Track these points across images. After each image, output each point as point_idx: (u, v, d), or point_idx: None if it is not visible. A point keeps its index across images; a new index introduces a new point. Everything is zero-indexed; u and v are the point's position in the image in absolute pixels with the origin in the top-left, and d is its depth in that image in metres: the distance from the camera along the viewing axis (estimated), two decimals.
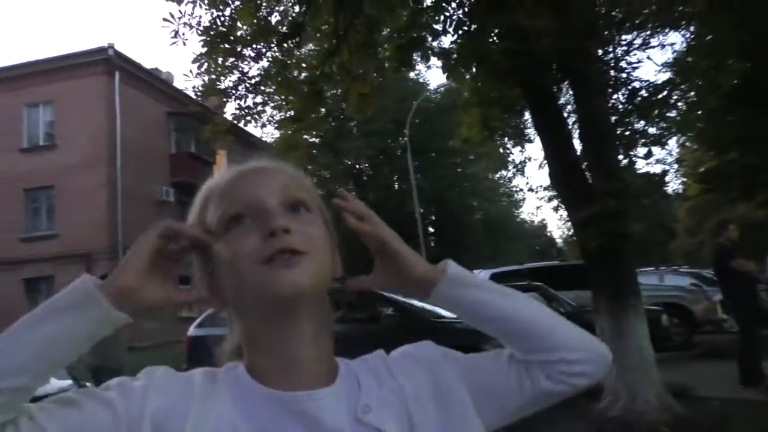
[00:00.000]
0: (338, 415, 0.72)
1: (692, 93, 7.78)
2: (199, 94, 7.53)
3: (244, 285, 0.71)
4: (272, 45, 7.30)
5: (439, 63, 7.08)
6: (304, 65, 8.07)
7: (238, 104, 7.67)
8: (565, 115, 6.63)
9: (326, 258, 0.75)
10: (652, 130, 6.81)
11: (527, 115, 7.99)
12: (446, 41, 7.16)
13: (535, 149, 56.33)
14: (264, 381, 0.73)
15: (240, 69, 7.41)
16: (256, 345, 0.76)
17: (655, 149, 6.62)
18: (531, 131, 8.74)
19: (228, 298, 0.76)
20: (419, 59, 7.75)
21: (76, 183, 19.23)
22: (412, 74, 25.60)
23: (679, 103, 7.28)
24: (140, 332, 19.27)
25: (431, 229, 31.77)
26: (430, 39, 7.04)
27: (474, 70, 7.00)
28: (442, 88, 26.97)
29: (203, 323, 8.84)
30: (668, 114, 7.06)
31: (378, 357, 0.83)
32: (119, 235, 18.94)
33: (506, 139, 9.22)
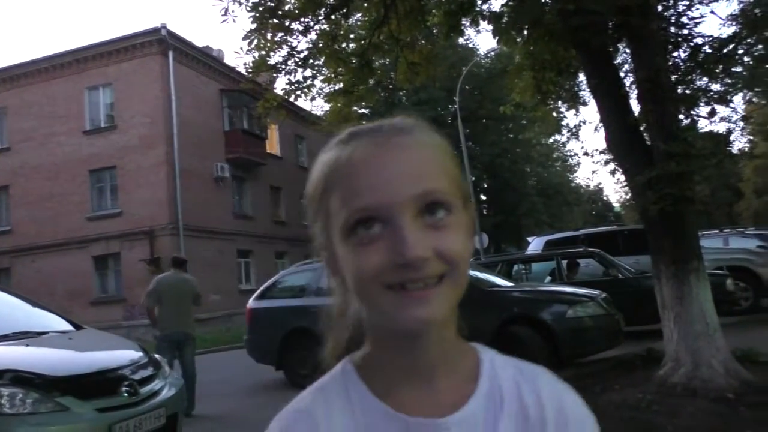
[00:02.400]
0: None
1: (760, 46, 7.35)
2: (250, 70, 7.62)
3: (368, 304, 0.64)
4: (320, 18, 7.29)
5: (490, 27, 6.93)
6: (352, 36, 8.05)
7: (288, 79, 7.73)
8: (622, 75, 6.38)
9: (466, 269, 0.64)
10: (715, 87, 6.48)
11: (582, 77, 7.74)
12: (496, 4, 7.00)
13: (589, 112, 54.74)
14: (384, 396, 0.66)
15: (289, 44, 7.45)
16: (380, 350, 0.69)
17: (720, 107, 6.30)
18: (586, 94, 8.46)
19: (347, 284, 0.66)
20: (469, 24, 7.61)
21: (136, 162, 19.91)
22: (461, 40, 25.13)
23: (746, 58, 6.89)
24: (205, 304, 19.97)
25: (484, 197, 31.47)
26: (479, 2, 6.89)
27: (526, 32, 6.82)
28: (493, 53, 26.39)
29: (262, 295, 9.09)
30: (734, 70, 6.70)
31: (539, 385, 0.71)
32: (179, 212, 19.56)
33: (560, 102, 8.96)
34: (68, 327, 5.12)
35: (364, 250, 0.61)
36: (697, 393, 4.98)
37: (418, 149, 0.64)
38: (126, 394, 3.97)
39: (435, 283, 0.60)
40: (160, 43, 20.23)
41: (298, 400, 0.70)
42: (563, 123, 12.41)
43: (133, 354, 4.58)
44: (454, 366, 0.68)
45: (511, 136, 29.73)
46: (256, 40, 7.11)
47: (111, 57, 20.70)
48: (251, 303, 9.06)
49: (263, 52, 7.35)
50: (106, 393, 3.91)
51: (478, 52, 28.91)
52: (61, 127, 20.89)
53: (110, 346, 4.96)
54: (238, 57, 7.25)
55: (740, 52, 6.62)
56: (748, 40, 6.62)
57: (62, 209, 20.39)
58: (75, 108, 20.97)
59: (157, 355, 4.91)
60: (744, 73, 7.18)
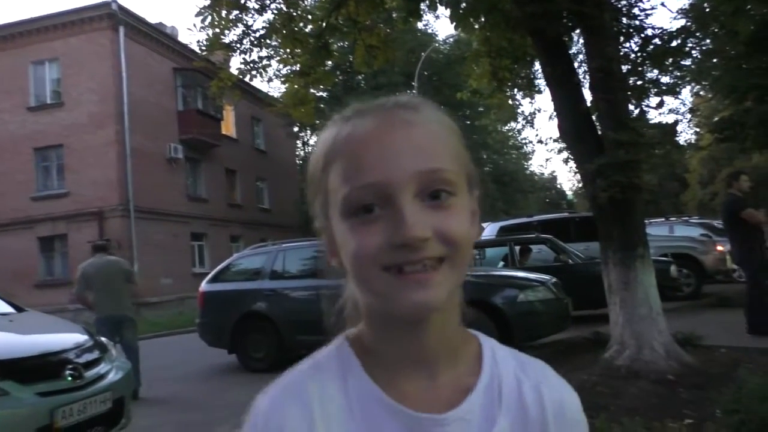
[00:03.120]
0: None
1: (708, 41, 7.58)
2: (203, 48, 7.44)
3: (364, 287, 0.61)
4: None
5: (448, 12, 6.92)
6: (309, 17, 7.93)
7: (243, 58, 7.58)
8: (576, 64, 6.49)
9: (468, 252, 0.61)
10: (665, 79, 6.67)
11: (537, 66, 7.85)
12: None
13: (544, 100, 55.68)
14: (384, 385, 0.63)
15: (244, 22, 7.30)
16: (378, 336, 0.66)
17: (668, 99, 6.50)
18: (541, 82, 8.60)
19: (344, 266, 0.64)
20: (427, 8, 7.59)
21: (85, 141, 19.27)
22: (420, 25, 25.12)
23: (694, 51, 7.10)
24: (157, 287, 19.60)
25: None
26: None
27: (483, 19, 6.85)
28: (451, 40, 26.48)
29: (215, 278, 8.96)
30: (683, 62, 6.90)
31: (539, 381, 0.69)
32: (130, 193, 19.07)
33: (516, 90, 9.09)
34: (8, 309, 4.94)
35: (363, 229, 0.58)
36: (639, 375, 5.15)
37: (425, 126, 0.61)
38: (70, 378, 3.85)
39: (434, 266, 0.58)
40: (110, 17, 19.54)
41: (290, 375, 0.66)
42: (519, 111, 12.58)
43: (78, 337, 4.44)
44: (456, 356, 0.66)
45: (468, 122, 29.96)
46: (210, 18, 6.95)
47: (58, 31, 19.90)
48: (204, 286, 8.92)
49: (217, 30, 7.18)
50: (49, 377, 3.79)
51: (436, 38, 28.99)
52: (3, 102, 20.02)
53: (53, 329, 4.80)
54: (192, 34, 7.08)
55: (689, 45, 6.82)
56: (697, 34, 6.82)
57: (5, 188, 19.60)
58: (19, 83, 20.11)
59: (104, 339, 4.78)
60: (692, 66, 7.40)
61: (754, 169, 25.43)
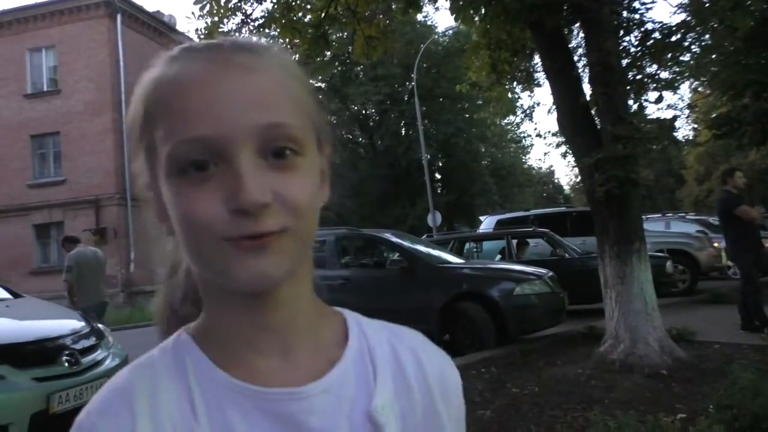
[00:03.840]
0: (334, 420, 0.55)
1: (707, 36, 7.57)
2: (202, 36, 7.39)
3: (199, 259, 0.53)
4: None
5: (447, 4, 6.91)
6: (308, 7, 7.88)
7: None
8: (576, 58, 6.49)
9: (313, 220, 0.55)
10: (664, 74, 6.67)
11: (537, 59, 7.83)
12: None
13: (543, 94, 55.59)
14: (229, 366, 0.55)
15: (243, 10, 7.26)
16: (217, 311, 0.57)
17: (667, 94, 6.50)
18: (540, 75, 8.59)
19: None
20: (427, 0, 7.57)
21: (81, 129, 19.20)
22: (419, 17, 25.04)
23: (693, 46, 7.10)
24: (152, 277, 19.60)
25: (438, 176, 31.71)
26: None
27: (483, 11, 6.82)
28: (451, 32, 26.41)
29: None
30: (681, 57, 6.90)
31: (416, 348, 0.64)
32: (127, 182, 19.02)
33: (515, 83, 9.07)
34: (5, 295, 4.94)
35: (193, 192, 0.50)
36: (633, 369, 5.19)
37: (266, 73, 0.53)
38: (66, 364, 3.86)
39: (276, 240, 0.50)
40: (108, 5, 19.42)
41: (112, 382, 0.57)
42: (518, 104, 12.59)
43: (74, 324, 4.45)
44: (314, 332, 0.59)
45: (467, 115, 29.93)
46: (208, 6, 6.90)
47: (55, 18, 19.79)
48: None
49: (216, 19, 7.14)
50: (45, 362, 3.80)
51: (436, 30, 28.90)
52: (0, 89, 19.91)
53: (50, 315, 4.81)
54: (190, 22, 7.04)
55: (688, 40, 6.81)
56: (697, 29, 6.81)
57: (1, 176, 19.56)
58: (15, 70, 20.01)
59: (101, 326, 4.79)
60: (691, 62, 7.40)
61: (749, 166, 25.51)
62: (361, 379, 0.58)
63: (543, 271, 7.61)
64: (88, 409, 0.55)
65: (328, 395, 0.56)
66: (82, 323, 4.52)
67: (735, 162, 24.78)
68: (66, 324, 4.40)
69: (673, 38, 6.28)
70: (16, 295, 5.03)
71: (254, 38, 0.56)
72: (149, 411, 0.53)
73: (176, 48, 0.56)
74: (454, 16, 6.82)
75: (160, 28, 22.00)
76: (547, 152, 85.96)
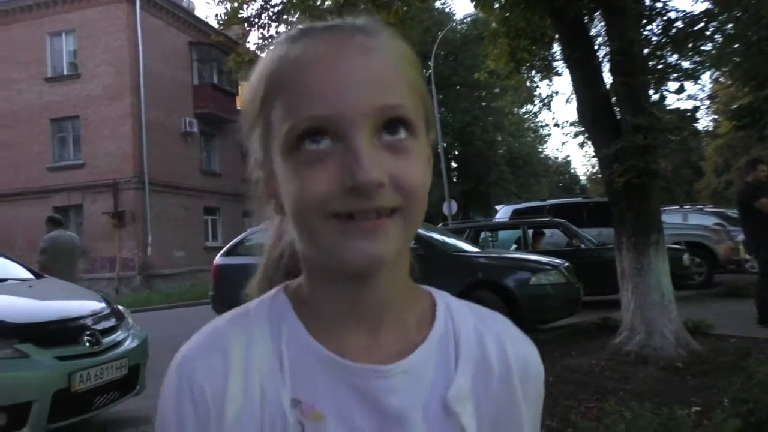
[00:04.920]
0: (412, 401, 0.56)
1: (730, 24, 7.45)
2: (221, 22, 7.43)
3: (307, 236, 0.54)
4: None
5: None
6: None
7: (261, 33, 7.56)
8: (596, 47, 6.42)
9: (424, 203, 0.55)
10: (685, 64, 6.58)
11: (556, 47, 7.76)
12: None
13: (562, 83, 54.95)
14: (320, 337, 0.57)
15: None
16: (317, 288, 0.59)
17: (688, 84, 6.40)
18: (559, 64, 8.50)
19: (284, 211, 0.57)
20: None
21: (100, 113, 19.36)
22: (437, 3, 24.84)
23: (716, 36, 6.99)
24: (169, 260, 19.80)
25: (454, 164, 31.59)
26: None
27: None
28: (468, 19, 26.18)
29: (229, 252, 9.04)
30: (703, 47, 6.80)
31: (501, 335, 0.64)
32: (145, 166, 19.18)
33: (533, 72, 8.99)
34: (28, 275, 5.04)
35: (309, 169, 0.51)
36: (648, 361, 5.17)
37: (384, 55, 0.53)
38: (87, 344, 3.94)
39: (389, 221, 0.51)
40: None
41: (210, 326, 0.59)
42: (536, 93, 12.47)
43: (95, 304, 4.53)
44: (405, 311, 0.60)
45: (484, 104, 29.75)
46: None
47: (75, 2, 19.92)
48: (218, 259, 9.01)
49: (235, 5, 7.16)
50: (67, 341, 3.88)
51: (454, 17, 28.69)
52: (20, 73, 20.11)
53: (72, 296, 4.90)
54: (210, 8, 7.08)
55: (711, 29, 6.71)
56: (720, 18, 6.70)
57: (21, 158, 19.79)
58: (36, 54, 20.19)
59: (121, 307, 4.87)
60: (712, 51, 7.29)
61: None
62: (442, 364, 0.59)
63: (559, 261, 7.58)
64: (187, 350, 0.57)
65: (408, 376, 0.57)
66: (103, 304, 4.61)
67: (756, 154, 24.41)
68: (87, 305, 4.48)
69: (696, 27, 6.20)
70: (38, 276, 5.12)
71: (370, 19, 0.57)
72: (242, 359, 0.55)
73: (295, 29, 0.57)
74: (473, 3, 6.78)
75: (178, 14, 22.07)
76: (565, 142, 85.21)
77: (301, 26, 0.57)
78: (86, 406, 3.87)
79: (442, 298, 0.64)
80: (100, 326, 4.18)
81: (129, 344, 4.35)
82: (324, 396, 0.55)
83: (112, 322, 4.38)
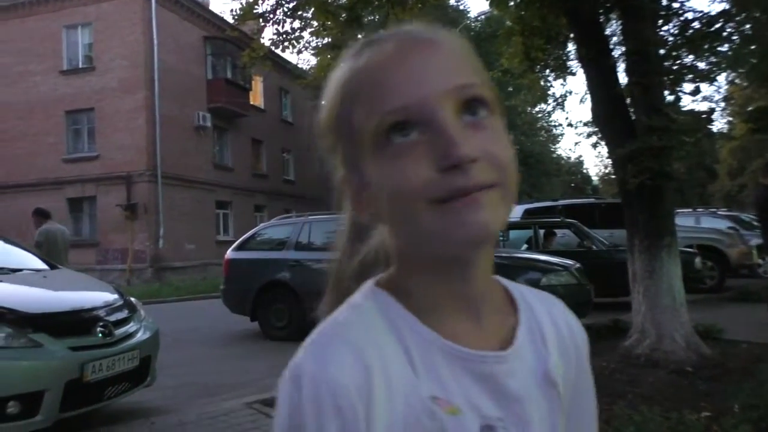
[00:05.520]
0: (525, 380, 0.60)
1: (748, 26, 7.38)
2: (236, 17, 7.45)
3: (411, 229, 0.54)
4: None
5: None
6: None
7: (276, 29, 7.58)
8: (612, 46, 6.37)
9: (516, 176, 0.56)
10: (701, 65, 6.53)
11: (570, 47, 7.71)
12: None
13: (576, 83, 54.67)
14: (435, 326, 0.57)
15: None
16: (419, 280, 0.59)
17: (704, 86, 6.36)
18: (574, 63, 8.46)
19: (378, 216, 0.58)
20: None
21: (115, 106, 19.50)
22: (452, 1, 24.76)
23: (733, 37, 6.93)
24: (181, 252, 19.93)
25: None
26: None
27: None
28: (483, 16, 26.07)
29: (241, 247, 9.09)
30: (720, 48, 6.74)
31: (566, 315, 0.70)
32: (158, 159, 19.30)
33: (548, 71, 8.94)
34: (43, 266, 5.09)
35: (402, 161, 0.52)
36: (658, 364, 5.14)
37: (449, 45, 0.56)
38: (100, 335, 3.98)
39: (488, 194, 0.52)
40: None
41: (328, 326, 0.57)
42: (549, 92, 12.42)
43: (108, 296, 4.57)
44: (493, 296, 0.63)
45: None
46: None
47: None
48: (229, 253, 9.06)
49: (251, 0, 7.18)
50: (80, 332, 3.92)
51: (468, 15, 28.57)
52: (37, 65, 20.29)
53: (85, 287, 4.95)
54: (225, 3, 7.11)
55: (728, 30, 6.65)
56: (737, 18, 6.64)
57: (36, 149, 19.98)
58: (52, 46, 20.36)
59: (133, 299, 4.91)
60: (729, 52, 7.23)
61: None
62: (534, 344, 0.63)
63: (570, 262, 7.56)
64: (321, 360, 0.53)
65: (519, 360, 0.60)
66: (115, 296, 4.65)
67: None
68: (100, 296, 4.53)
69: (713, 28, 6.14)
70: (52, 267, 5.17)
71: (423, 23, 0.59)
72: (380, 365, 0.53)
73: (357, 43, 0.59)
74: (489, 1, 6.75)
75: (193, 8, 22.16)
76: (578, 142, 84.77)
77: (360, 41, 0.59)
78: (98, 396, 3.92)
79: (510, 284, 0.68)
80: (112, 317, 4.22)
81: (141, 336, 4.39)
82: (454, 387, 0.55)
83: (124, 314, 4.42)
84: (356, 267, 0.67)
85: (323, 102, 0.60)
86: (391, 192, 0.53)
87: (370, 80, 0.54)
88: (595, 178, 54.05)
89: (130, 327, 4.36)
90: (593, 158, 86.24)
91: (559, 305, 0.70)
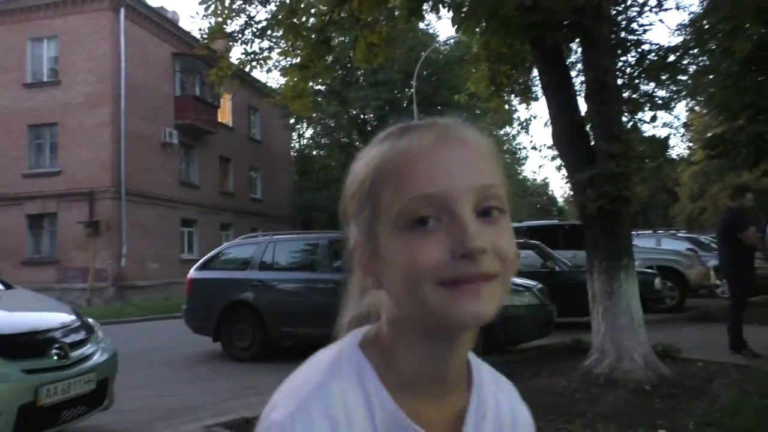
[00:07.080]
0: None
1: (704, 57, 7.68)
2: (205, 36, 7.45)
3: (415, 303, 0.59)
4: None
5: (450, 15, 6.97)
6: (312, 11, 7.94)
7: (245, 49, 7.60)
8: (574, 74, 6.57)
9: (515, 271, 0.62)
10: (661, 93, 6.77)
11: (535, 73, 7.92)
12: None
13: (540, 108, 55.83)
14: (401, 400, 0.63)
15: (247, 12, 7.31)
16: (405, 351, 0.65)
17: (662, 113, 6.60)
18: (538, 89, 8.68)
19: (381, 284, 0.64)
20: (429, 9, 7.64)
21: (79, 121, 19.16)
22: (421, 25, 25.13)
23: (690, 68, 7.20)
24: (144, 271, 19.55)
25: None
26: None
27: (484, 24, 6.90)
28: (452, 41, 26.52)
29: (204, 266, 8.98)
30: (678, 78, 7.00)
31: (513, 402, 0.76)
32: (122, 175, 18.99)
33: (512, 96, 9.16)
34: None
35: (418, 243, 0.58)
36: (617, 384, 5.24)
37: (477, 145, 0.63)
38: (55, 357, 3.89)
39: (489, 285, 0.58)
40: None
41: (304, 380, 0.64)
42: (515, 116, 12.67)
43: (65, 317, 4.46)
44: (460, 374, 0.69)
45: None
46: (213, 6, 6.95)
47: (58, 8, 19.76)
48: (192, 273, 8.93)
49: (220, 19, 7.19)
50: (35, 354, 3.82)
51: (437, 39, 29.03)
52: None
53: (42, 308, 4.82)
54: (194, 21, 7.12)
55: (685, 61, 6.91)
56: (694, 51, 6.91)
57: None
58: (15, 59, 19.97)
59: (91, 320, 4.81)
60: (688, 81, 7.49)
61: (755, 185, 25.59)
62: (478, 426, 0.68)
63: (533, 282, 7.67)
64: (289, 413, 0.60)
65: None
66: (72, 317, 4.54)
67: (734, 181, 24.92)
68: (56, 317, 4.42)
69: (670, 59, 6.38)
70: (7, 286, 5.04)
71: (456, 118, 0.67)
72: (346, 426, 0.60)
73: (393, 128, 0.66)
74: (455, 27, 6.89)
75: (163, 24, 22.04)
76: (542, 165, 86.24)
77: (399, 125, 0.66)
78: (53, 420, 3.81)
79: (475, 362, 0.73)
80: (69, 339, 4.13)
81: (98, 358, 4.29)
82: None
83: (81, 335, 4.32)
84: (349, 322, 0.74)
85: (354, 172, 0.66)
86: (404, 268, 0.59)
87: (405, 164, 0.60)
88: (560, 199, 55.01)
89: (87, 349, 4.26)
90: (558, 180, 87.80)
91: (511, 393, 0.76)
